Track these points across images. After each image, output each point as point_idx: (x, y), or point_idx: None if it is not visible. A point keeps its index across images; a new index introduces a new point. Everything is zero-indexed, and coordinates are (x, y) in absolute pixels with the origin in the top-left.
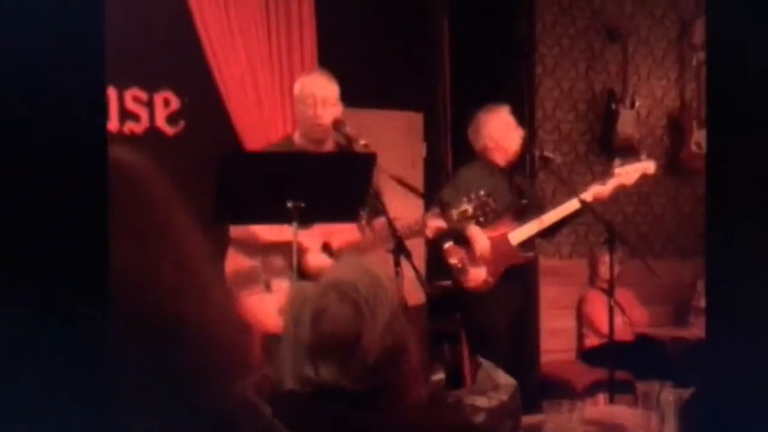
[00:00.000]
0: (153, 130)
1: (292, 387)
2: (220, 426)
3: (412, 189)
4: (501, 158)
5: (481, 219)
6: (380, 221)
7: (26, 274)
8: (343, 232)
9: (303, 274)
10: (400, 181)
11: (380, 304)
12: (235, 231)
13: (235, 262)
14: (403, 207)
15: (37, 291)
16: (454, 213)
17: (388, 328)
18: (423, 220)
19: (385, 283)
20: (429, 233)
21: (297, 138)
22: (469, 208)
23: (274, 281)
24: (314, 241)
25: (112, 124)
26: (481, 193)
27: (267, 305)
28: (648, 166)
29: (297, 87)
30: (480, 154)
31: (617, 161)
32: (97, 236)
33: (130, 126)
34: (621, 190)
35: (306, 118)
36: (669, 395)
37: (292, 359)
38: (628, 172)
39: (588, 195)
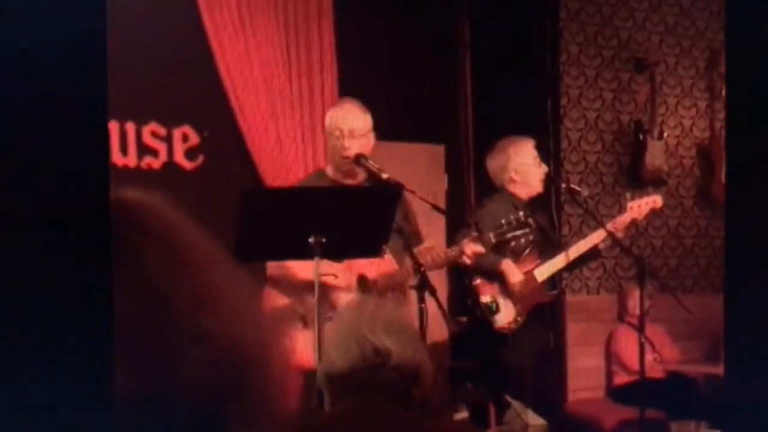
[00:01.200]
0: (171, 165)
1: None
2: None
3: (437, 209)
4: (523, 192)
5: (522, 241)
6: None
7: (26, 321)
8: (379, 265)
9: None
10: (436, 207)
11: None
12: (272, 269)
13: (271, 299)
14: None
15: (38, 346)
16: (491, 235)
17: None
18: (460, 246)
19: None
20: (467, 260)
21: (329, 171)
22: (506, 228)
23: (310, 318)
24: (348, 275)
25: (130, 160)
26: (521, 213)
27: (305, 342)
28: (655, 200)
29: (327, 118)
30: (501, 187)
31: (628, 195)
32: (101, 274)
33: (148, 161)
34: (634, 225)
35: (335, 150)
36: None
37: (349, 336)
38: (640, 206)
39: (599, 234)
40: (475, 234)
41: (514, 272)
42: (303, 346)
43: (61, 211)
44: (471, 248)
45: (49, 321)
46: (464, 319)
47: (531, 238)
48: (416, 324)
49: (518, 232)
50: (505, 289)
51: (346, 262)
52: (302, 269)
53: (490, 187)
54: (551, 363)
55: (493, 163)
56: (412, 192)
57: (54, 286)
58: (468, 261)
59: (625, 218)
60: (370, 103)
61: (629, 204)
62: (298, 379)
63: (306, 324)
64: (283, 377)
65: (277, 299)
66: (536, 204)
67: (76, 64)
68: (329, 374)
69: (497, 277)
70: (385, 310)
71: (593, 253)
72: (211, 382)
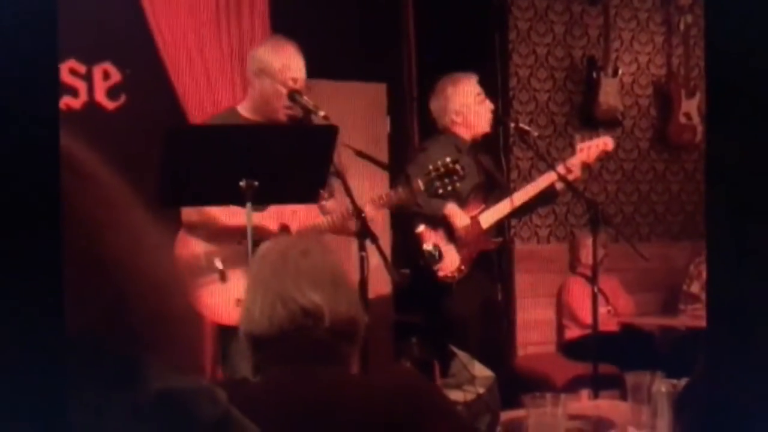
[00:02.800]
0: (92, 105)
1: (261, 332)
2: (176, 412)
3: (376, 162)
4: (468, 133)
5: (449, 188)
6: (340, 201)
7: None
8: (302, 214)
9: None
10: (363, 154)
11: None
12: (188, 214)
13: (186, 248)
14: (368, 187)
15: None
16: (420, 182)
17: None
18: (388, 195)
19: None
20: (392, 207)
21: (243, 110)
22: (435, 174)
23: (229, 270)
24: (271, 223)
25: None
26: (447, 159)
27: (222, 297)
28: (606, 142)
29: (270, 59)
30: (444, 128)
31: (578, 137)
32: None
33: (66, 101)
34: (586, 168)
35: (273, 94)
36: (662, 386)
37: (274, 296)
38: (589, 148)
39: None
40: (402, 185)
41: (459, 216)
42: (220, 301)
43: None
44: (370, 211)
45: None
46: (408, 270)
47: (460, 185)
48: (356, 274)
49: (446, 180)
50: (451, 235)
51: (267, 210)
52: (225, 214)
53: (435, 129)
54: (499, 315)
55: (433, 105)
56: (352, 148)
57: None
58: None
59: (574, 161)
60: (302, 37)
61: (579, 146)
62: (213, 335)
63: (224, 278)
64: (194, 331)
65: (192, 247)
66: (482, 145)
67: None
68: (252, 335)
69: (442, 223)
70: (312, 259)
71: (549, 195)
72: (126, 328)
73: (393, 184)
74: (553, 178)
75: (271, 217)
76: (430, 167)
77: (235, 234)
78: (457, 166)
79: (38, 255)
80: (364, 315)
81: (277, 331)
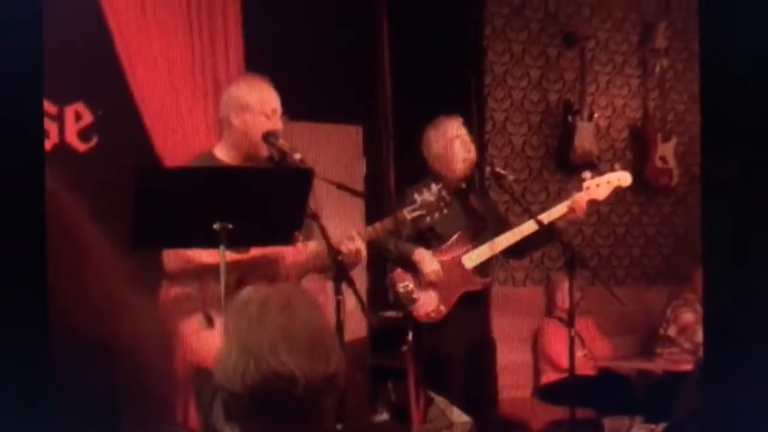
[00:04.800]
0: (63, 147)
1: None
2: None
3: (354, 192)
4: (451, 176)
5: (437, 215)
6: (313, 243)
7: None
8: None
9: None
10: (342, 186)
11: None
12: (169, 261)
13: (170, 295)
14: (345, 228)
15: None
16: (406, 212)
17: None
18: (375, 227)
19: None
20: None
21: (220, 153)
22: (420, 203)
23: (215, 314)
24: (254, 265)
25: None
26: (433, 186)
27: (209, 342)
28: (622, 177)
29: (247, 94)
30: (432, 171)
31: (587, 173)
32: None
33: None
34: (593, 206)
35: (253, 127)
36: (640, 431)
37: (248, 356)
38: (599, 185)
39: (550, 214)
40: (359, 231)
41: (427, 261)
42: (207, 346)
43: None
44: (347, 246)
45: None
46: (386, 313)
47: (449, 205)
48: (332, 318)
49: (432, 207)
50: (422, 277)
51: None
52: (207, 254)
53: (412, 171)
54: (488, 355)
55: (421, 149)
56: (329, 181)
57: None
58: (350, 260)
59: (579, 199)
60: (279, 78)
61: (586, 183)
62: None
63: (211, 323)
64: (175, 381)
65: (175, 290)
66: (470, 187)
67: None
68: (225, 389)
69: (414, 266)
70: (292, 314)
71: (548, 234)
72: (107, 387)
73: (370, 222)
74: (532, 228)
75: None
76: (416, 196)
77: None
78: (444, 194)
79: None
80: (344, 367)
81: (250, 390)
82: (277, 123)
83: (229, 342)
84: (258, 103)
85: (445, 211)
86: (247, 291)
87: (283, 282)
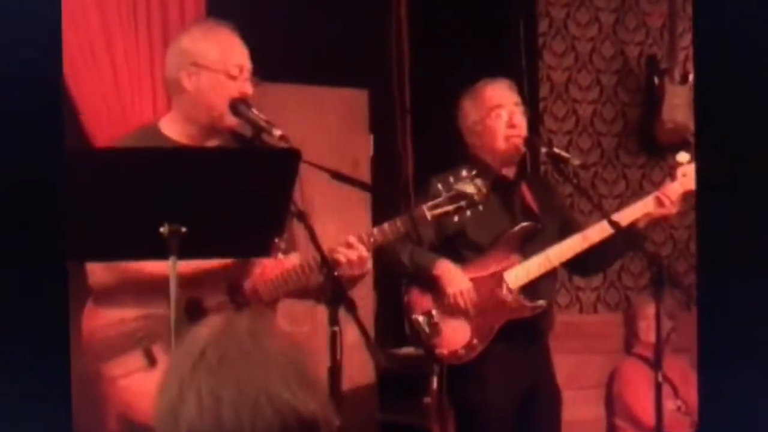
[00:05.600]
0: None
1: None
2: None
3: (360, 185)
4: (494, 160)
5: (468, 213)
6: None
7: None
8: (255, 267)
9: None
10: (342, 176)
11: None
12: (95, 273)
13: (97, 320)
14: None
15: None
16: (425, 208)
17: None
18: (382, 229)
19: None
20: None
21: (167, 128)
22: (445, 197)
23: (157, 349)
24: (214, 281)
25: None
26: (464, 173)
27: (148, 387)
28: None
29: (203, 47)
30: (471, 155)
31: (683, 154)
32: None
33: None
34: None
35: (214, 91)
36: None
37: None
38: None
39: (630, 213)
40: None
41: (453, 277)
42: (148, 394)
43: None
44: (345, 254)
45: None
46: (401, 351)
47: (487, 197)
48: (325, 359)
49: (462, 203)
50: (446, 299)
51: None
52: (155, 266)
53: (440, 154)
54: (550, 410)
55: (459, 127)
56: (324, 169)
57: None
58: (349, 273)
59: (670, 190)
60: (249, 25)
61: (681, 168)
62: None
63: (152, 360)
64: None
65: (106, 320)
66: (524, 177)
67: None
68: None
69: (436, 284)
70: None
71: (627, 241)
72: None
73: (378, 223)
74: (606, 232)
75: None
76: (440, 186)
77: (166, 290)
78: (477, 182)
79: None
80: (333, 418)
81: None
82: (245, 86)
83: (177, 387)
84: (219, 58)
85: (481, 207)
86: (204, 329)
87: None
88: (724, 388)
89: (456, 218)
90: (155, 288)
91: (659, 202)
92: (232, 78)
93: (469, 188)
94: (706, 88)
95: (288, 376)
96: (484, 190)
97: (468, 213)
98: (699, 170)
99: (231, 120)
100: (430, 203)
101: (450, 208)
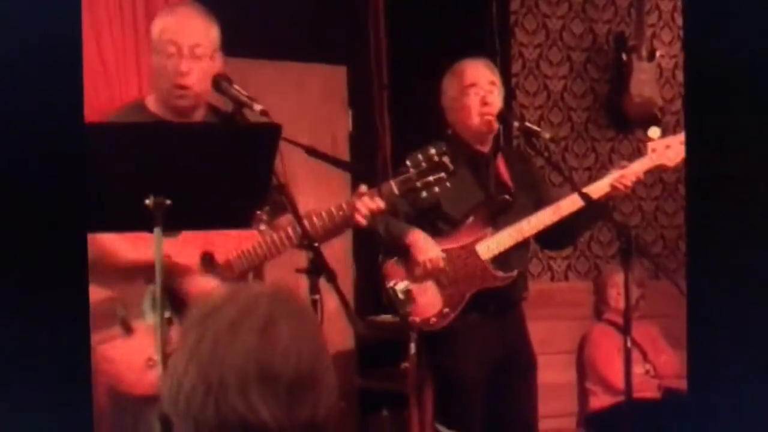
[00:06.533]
0: None
1: None
2: None
3: (337, 163)
4: (470, 137)
5: (436, 189)
6: (285, 219)
7: None
8: (231, 239)
9: (178, 306)
10: (318, 153)
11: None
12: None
13: None
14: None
15: None
16: (393, 183)
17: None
18: (350, 203)
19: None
20: (362, 219)
21: (152, 104)
22: (414, 172)
23: (135, 320)
24: (191, 254)
25: None
26: (432, 151)
27: (127, 355)
28: None
29: (154, 28)
30: (450, 132)
31: (654, 130)
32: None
33: None
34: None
35: (164, 75)
36: None
37: (206, 388)
38: (669, 147)
39: (598, 187)
40: (366, 188)
41: (423, 245)
42: (125, 362)
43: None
44: (366, 204)
45: None
46: (379, 318)
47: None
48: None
49: (431, 178)
50: (418, 269)
51: (183, 235)
52: (127, 246)
53: (421, 131)
54: (522, 376)
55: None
56: (301, 146)
57: None
58: (363, 221)
59: (641, 165)
60: (234, 4)
61: (651, 144)
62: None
63: (128, 329)
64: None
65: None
66: (500, 151)
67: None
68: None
69: (408, 253)
70: (276, 340)
71: (596, 213)
72: None
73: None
74: (576, 205)
75: (189, 244)
76: (407, 162)
77: (140, 272)
78: (444, 159)
79: None
80: (338, 409)
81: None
82: (181, 64)
83: (183, 366)
84: (158, 38)
85: (449, 184)
86: (215, 299)
87: (267, 285)
88: (713, 380)
89: (424, 194)
90: (132, 271)
91: (622, 178)
92: (175, 57)
93: (437, 165)
94: (697, 73)
95: (248, 385)
96: (451, 167)
97: (436, 189)
98: (689, 166)
99: (175, 98)
100: (398, 179)
101: (418, 183)
